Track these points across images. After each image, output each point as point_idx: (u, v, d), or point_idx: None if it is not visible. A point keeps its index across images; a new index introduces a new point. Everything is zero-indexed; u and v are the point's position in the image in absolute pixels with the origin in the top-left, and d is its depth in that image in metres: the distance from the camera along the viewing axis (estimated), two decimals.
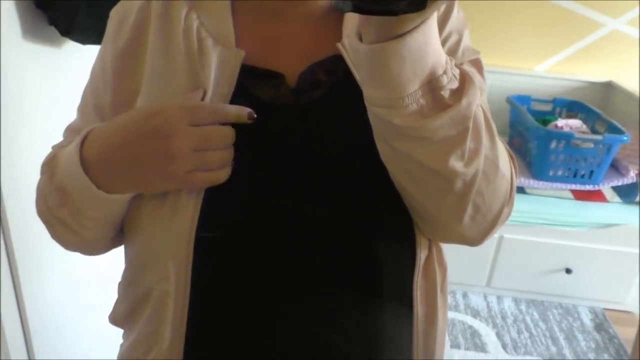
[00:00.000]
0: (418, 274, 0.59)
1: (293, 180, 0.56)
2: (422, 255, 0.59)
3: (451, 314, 2.13)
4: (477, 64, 0.62)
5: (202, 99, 0.55)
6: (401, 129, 0.46)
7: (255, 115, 0.54)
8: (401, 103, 0.45)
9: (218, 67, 0.56)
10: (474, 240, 0.58)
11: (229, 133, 0.53)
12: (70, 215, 0.58)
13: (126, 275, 0.63)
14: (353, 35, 0.46)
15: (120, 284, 0.65)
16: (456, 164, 0.48)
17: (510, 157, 0.57)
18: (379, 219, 0.57)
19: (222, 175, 0.54)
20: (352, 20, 0.58)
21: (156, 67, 0.59)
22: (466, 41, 0.63)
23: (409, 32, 0.42)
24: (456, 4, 0.62)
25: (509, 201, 0.56)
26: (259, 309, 0.56)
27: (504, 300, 2.22)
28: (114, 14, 0.64)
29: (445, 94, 0.46)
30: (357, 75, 0.50)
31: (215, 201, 0.55)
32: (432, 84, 0.45)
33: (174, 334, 0.56)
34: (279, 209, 0.55)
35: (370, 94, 0.47)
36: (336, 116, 0.57)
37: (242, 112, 0.54)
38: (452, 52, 0.61)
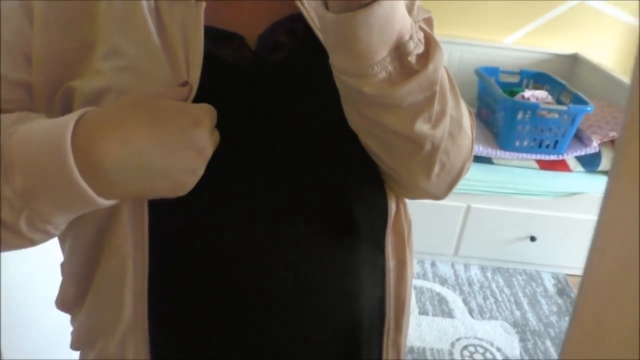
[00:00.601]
0: (389, 229, 0.60)
1: (263, 142, 0.55)
2: (392, 212, 0.60)
3: (420, 282, 2.18)
4: (429, 22, 0.62)
5: (188, 96, 0.49)
6: (370, 97, 0.46)
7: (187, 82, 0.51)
8: (370, 71, 0.45)
9: (181, 27, 0.52)
10: (439, 195, 0.61)
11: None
12: (27, 222, 0.44)
13: (74, 250, 0.58)
14: (320, 3, 0.45)
15: (64, 263, 0.61)
16: (424, 127, 0.49)
17: (469, 113, 0.59)
18: (350, 178, 0.58)
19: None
20: None
21: (118, 20, 0.51)
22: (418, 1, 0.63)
23: (376, 0, 0.41)
24: None
25: (470, 156, 0.59)
26: (228, 270, 0.56)
27: (471, 268, 2.28)
28: None
29: (412, 59, 0.46)
30: (325, 44, 0.49)
31: None
32: (399, 50, 0.45)
33: (135, 300, 0.54)
34: (243, 170, 0.55)
35: (338, 62, 0.47)
36: (301, 78, 0.57)
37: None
38: (408, 11, 0.60)
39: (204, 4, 0.51)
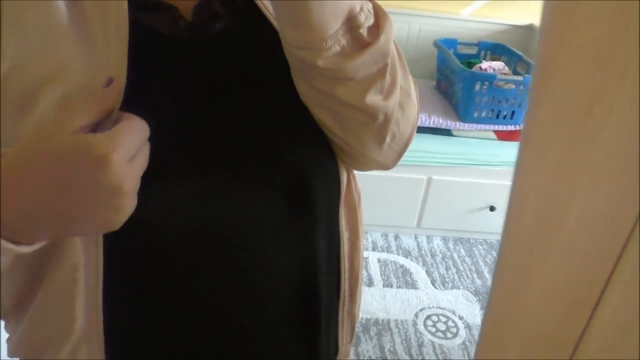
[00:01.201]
0: (341, 201, 0.60)
1: (206, 119, 0.52)
2: (344, 184, 0.59)
3: (384, 255, 2.20)
4: None
5: (116, 98, 0.44)
6: (323, 71, 0.46)
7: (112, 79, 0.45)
8: (323, 45, 0.44)
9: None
10: (389, 164, 0.61)
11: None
12: None
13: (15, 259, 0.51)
14: None
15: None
16: (376, 98, 0.49)
17: (414, 82, 0.58)
18: (303, 150, 0.56)
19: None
20: None
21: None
22: None
23: None
24: None
25: (416, 124, 0.59)
26: (182, 259, 0.53)
27: (434, 240, 2.31)
28: None
29: (364, 32, 0.45)
30: (275, 17, 0.48)
31: None
32: (350, 22, 0.45)
33: (89, 310, 0.50)
34: (189, 149, 0.52)
35: (289, 36, 0.46)
36: (242, 48, 0.54)
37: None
38: None
39: None
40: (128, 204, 0.42)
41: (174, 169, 0.51)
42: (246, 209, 0.54)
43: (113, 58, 0.45)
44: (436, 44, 2.27)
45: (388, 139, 0.54)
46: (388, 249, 2.24)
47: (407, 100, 0.54)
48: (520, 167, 0.23)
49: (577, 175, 0.22)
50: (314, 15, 0.42)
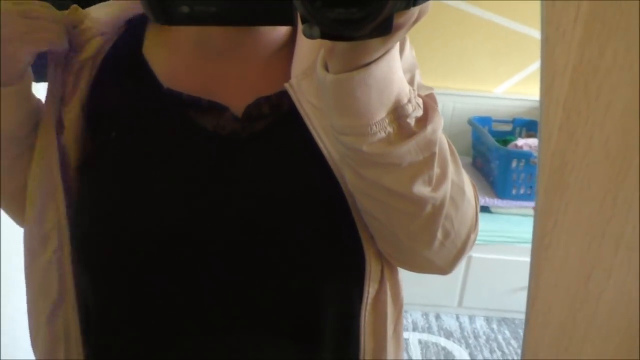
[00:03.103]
0: (366, 307, 0.59)
1: (229, 212, 0.56)
2: (370, 289, 0.58)
3: (425, 336, 2.14)
4: (432, 97, 0.62)
5: None
6: (369, 156, 0.47)
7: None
8: (369, 131, 0.45)
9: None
10: (444, 267, 0.59)
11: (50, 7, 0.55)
12: None
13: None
14: (319, 66, 0.47)
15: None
16: (424, 188, 0.49)
17: (472, 185, 0.59)
18: (321, 253, 0.57)
19: (57, 39, 0.55)
20: (301, 59, 0.59)
21: None
22: (418, 79, 0.64)
23: (374, 61, 0.43)
24: (408, 42, 0.65)
25: (475, 227, 0.58)
26: (177, 347, 0.56)
27: (476, 320, 2.24)
28: None
29: (411, 121, 0.47)
30: (325, 106, 0.51)
31: (134, 226, 0.55)
32: (397, 111, 0.46)
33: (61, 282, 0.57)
34: (207, 240, 0.55)
35: (337, 122, 0.48)
36: (277, 149, 0.58)
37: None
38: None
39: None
40: (7, 19, 0.51)
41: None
42: (246, 348, 0.57)
43: None
44: (470, 122, 2.31)
45: (440, 236, 0.53)
46: (429, 330, 2.18)
47: (460, 196, 0.53)
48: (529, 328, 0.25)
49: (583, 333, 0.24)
50: (360, 102, 0.44)
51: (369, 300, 0.59)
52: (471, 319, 2.25)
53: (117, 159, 0.57)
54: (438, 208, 0.51)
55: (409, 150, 0.47)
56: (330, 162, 0.54)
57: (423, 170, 0.48)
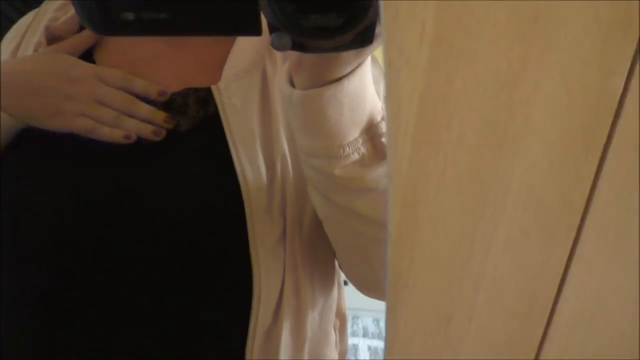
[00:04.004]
0: (253, 340, 0.54)
1: (113, 215, 0.52)
2: (260, 320, 0.54)
3: (375, 342, 2.13)
4: None
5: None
6: (341, 181, 0.43)
7: (167, 93, 0.54)
8: (341, 152, 0.41)
9: None
10: None
11: (132, 100, 0.52)
12: None
13: None
14: (284, 81, 0.43)
15: None
16: None
17: None
18: (197, 272, 0.53)
19: (107, 133, 0.52)
20: (237, 58, 0.55)
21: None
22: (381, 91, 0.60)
23: (345, 76, 0.39)
24: (370, 57, 0.62)
25: None
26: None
27: None
28: None
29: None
30: (292, 125, 0.46)
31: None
32: (371, 130, 0.42)
33: None
34: (89, 239, 0.52)
35: (305, 144, 0.43)
36: (188, 157, 0.54)
37: (150, 88, 0.53)
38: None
39: None
40: (77, 100, 0.51)
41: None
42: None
43: None
44: None
45: None
46: (379, 336, 2.18)
47: None
48: None
49: None
50: (331, 121, 0.40)
51: (257, 332, 0.54)
52: None
53: (28, 145, 0.55)
54: None
55: (384, 172, 0.43)
56: (240, 177, 0.50)
57: None
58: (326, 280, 0.60)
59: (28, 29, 0.63)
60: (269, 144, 0.52)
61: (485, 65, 0.19)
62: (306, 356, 0.58)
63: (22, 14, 1.23)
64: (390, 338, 0.22)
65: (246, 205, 0.50)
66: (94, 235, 0.51)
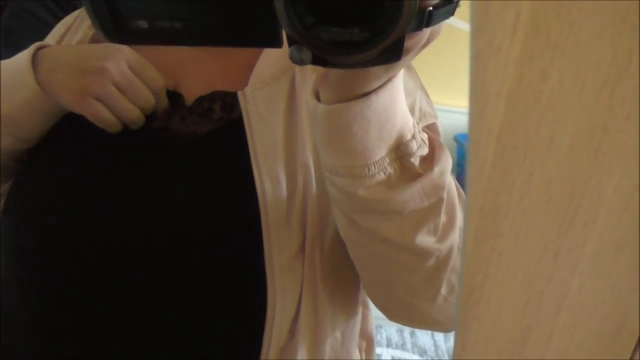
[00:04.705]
0: (267, 356, 0.52)
1: (130, 220, 0.51)
2: (274, 338, 0.52)
3: (398, 353, 2.10)
4: (433, 129, 0.56)
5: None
6: (365, 202, 0.40)
7: (165, 88, 0.54)
8: (366, 172, 0.39)
9: None
10: (445, 323, 0.51)
11: (151, 97, 0.52)
12: None
13: None
14: (310, 93, 0.40)
15: None
16: (428, 239, 0.42)
17: None
18: (205, 283, 0.51)
19: (114, 125, 0.51)
20: (265, 64, 0.54)
21: None
22: (421, 103, 0.57)
23: (374, 91, 0.36)
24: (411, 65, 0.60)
25: None
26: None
27: (451, 339, 2.20)
28: None
29: (416, 161, 0.40)
30: (316, 141, 0.44)
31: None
32: (400, 150, 0.40)
33: None
34: (99, 242, 0.51)
35: (329, 161, 0.41)
36: (208, 160, 0.53)
37: (157, 80, 0.53)
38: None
39: None
40: (100, 77, 0.50)
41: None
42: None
43: None
44: (456, 138, 2.29)
45: (444, 291, 0.46)
46: (403, 346, 2.14)
47: None
48: None
49: None
50: (357, 138, 0.37)
51: (272, 348, 0.51)
52: (446, 337, 2.21)
53: (52, 150, 0.55)
54: (443, 260, 0.44)
55: (412, 195, 0.40)
56: (258, 187, 0.48)
57: (428, 218, 0.41)
58: (349, 299, 0.57)
59: (68, 30, 0.63)
60: (291, 155, 0.50)
61: (586, 58, 0.17)
62: None
63: (52, 14, 1.22)
64: (458, 357, 0.20)
65: (262, 214, 0.48)
66: (104, 239, 0.50)
